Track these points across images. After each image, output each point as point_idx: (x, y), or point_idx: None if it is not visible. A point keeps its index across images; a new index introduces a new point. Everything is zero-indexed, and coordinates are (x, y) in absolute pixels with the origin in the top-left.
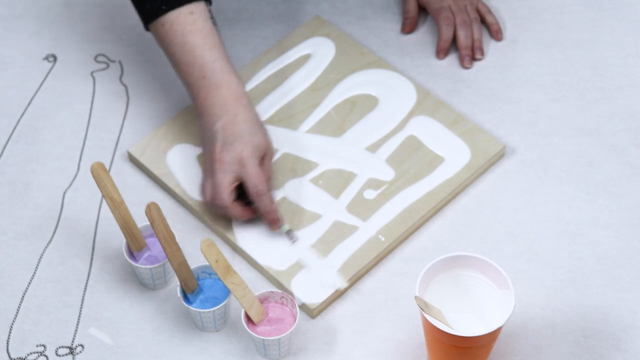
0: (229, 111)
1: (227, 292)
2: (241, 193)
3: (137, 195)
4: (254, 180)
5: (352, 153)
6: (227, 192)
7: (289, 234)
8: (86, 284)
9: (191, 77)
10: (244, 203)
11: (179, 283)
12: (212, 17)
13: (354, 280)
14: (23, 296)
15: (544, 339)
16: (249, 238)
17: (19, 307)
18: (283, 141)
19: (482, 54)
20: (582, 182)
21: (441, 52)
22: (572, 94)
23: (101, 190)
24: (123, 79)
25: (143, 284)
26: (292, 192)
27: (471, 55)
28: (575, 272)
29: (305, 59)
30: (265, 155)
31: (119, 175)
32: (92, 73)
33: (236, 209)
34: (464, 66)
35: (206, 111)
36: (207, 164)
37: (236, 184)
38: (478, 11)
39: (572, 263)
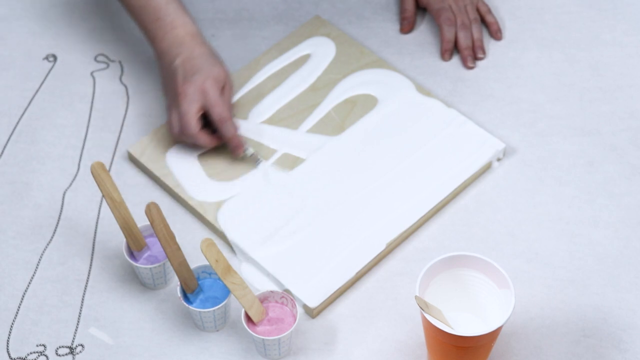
0: (186, 48)
1: (227, 292)
2: (206, 124)
3: (137, 195)
4: (217, 108)
5: (352, 153)
6: (194, 121)
7: (253, 157)
8: (86, 284)
9: (146, 21)
10: (210, 131)
11: (179, 283)
12: None
13: (354, 280)
14: (23, 296)
15: (544, 338)
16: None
17: (19, 307)
18: (283, 141)
19: (484, 52)
20: (581, 182)
21: (446, 53)
22: (572, 94)
23: (101, 190)
24: (123, 79)
25: (143, 284)
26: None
27: (473, 54)
28: (575, 272)
29: (305, 59)
30: (225, 85)
31: (119, 175)
32: (92, 73)
33: (203, 137)
34: (467, 66)
35: (165, 51)
36: (171, 99)
37: (201, 112)
38: (478, 11)
39: (572, 263)
